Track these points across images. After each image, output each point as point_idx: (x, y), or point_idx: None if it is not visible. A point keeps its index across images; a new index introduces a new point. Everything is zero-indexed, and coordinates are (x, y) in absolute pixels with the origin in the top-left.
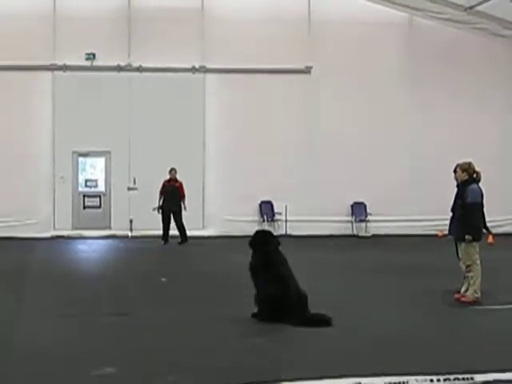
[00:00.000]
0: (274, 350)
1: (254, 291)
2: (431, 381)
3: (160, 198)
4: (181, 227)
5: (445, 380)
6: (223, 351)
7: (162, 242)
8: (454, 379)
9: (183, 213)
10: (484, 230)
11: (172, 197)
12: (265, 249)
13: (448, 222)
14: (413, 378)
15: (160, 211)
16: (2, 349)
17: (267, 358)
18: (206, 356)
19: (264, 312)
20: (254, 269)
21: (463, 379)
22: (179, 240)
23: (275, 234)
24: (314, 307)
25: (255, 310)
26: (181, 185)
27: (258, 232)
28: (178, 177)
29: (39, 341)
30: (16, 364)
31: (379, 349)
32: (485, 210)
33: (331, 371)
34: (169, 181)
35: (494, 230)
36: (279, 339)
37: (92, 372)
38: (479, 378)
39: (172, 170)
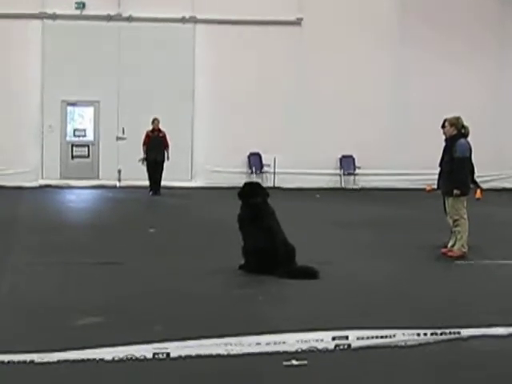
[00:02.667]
0: (260, 301)
1: (241, 242)
2: (418, 335)
3: (144, 149)
4: (160, 178)
5: (432, 334)
6: (210, 302)
7: (150, 193)
8: (441, 333)
9: (165, 163)
10: (472, 185)
11: (157, 147)
12: (253, 201)
13: (437, 177)
14: (400, 331)
15: (145, 162)
16: None
17: (254, 310)
18: (193, 306)
19: (251, 263)
20: (242, 221)
21: (450, 333)
22: (151, 190)
23: (263, 186)
24: (301, 260)
25: (243, 261)
26: (164, 135)
27: (246, 184)
28: (162, 127)
29: (26, 290)
30: (1, 314)
31: (366, 302)
32: (474, 164)
33: (318, 324)
34: (152, 131)
35: (483, 185)
36: (266, 291)
37: (78, 321)
38: (465, 332)
39: (155, 120)
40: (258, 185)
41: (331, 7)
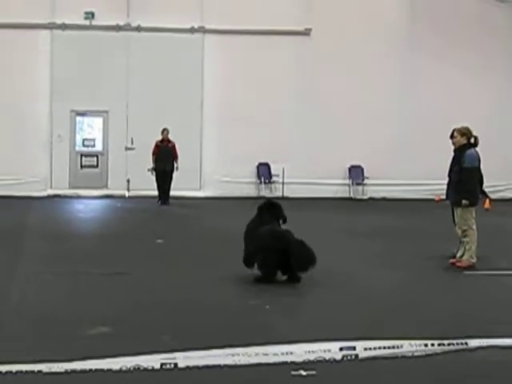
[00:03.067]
0: (268, 311)
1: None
2: (425, 345)
3: (153, 159)
4: (169, 188)
5: (439, 345)
6: (218, 312)
7: (159, 203)
8: (449, 344)
9: (174, 173)
10: (481, 195)
11: (166, 157)
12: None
13: (445, 187)
14: (407, 342)
15: (154, 172)
16: None
17: (261, 320)
18: (201, 316)
19: (260, 261)
20: (250, 230)
21: (457, 344)
22: (160, 200)
23: (272, 196)
24: (310, 270)
25: (250, 271)
26: (174, 145)
27: (270, 203)
28: (171, 137)
29: (34, 300)
30: (10, 324)
31: (374, 312)
32: (483, 174)
33: (325, 334)
34: (161, 141)
35: (491, 195)
36: (273, 300)
37: (87, 331)
38: (473, 343)
39: (164, 131)
40: (279, 207)
41: (340, 17)
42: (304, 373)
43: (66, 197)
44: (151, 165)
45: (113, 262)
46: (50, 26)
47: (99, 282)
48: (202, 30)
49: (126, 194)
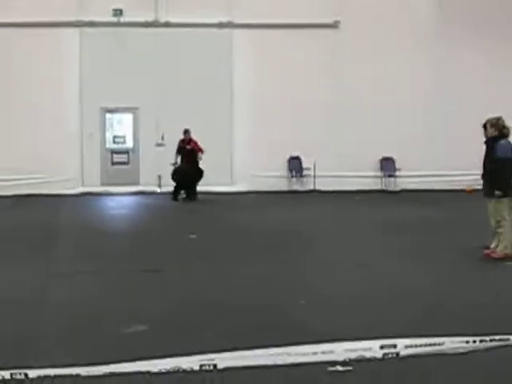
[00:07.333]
0: (306, 307)
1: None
2: (467, 342)
3: (176, 156)
4: (196, 186)
5: (481, 341)
6: (255, 309)
7: (180, 197)
8: (491, 340)
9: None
10: None
11: (190, 160)
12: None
13: (476, 178)
14: (448, 339)
15: (176, 165)
16: (33, 308)
17: (298, 317)
18: (235, 315)
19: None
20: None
21: (499, 340)
22: (185, 195)
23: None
24: (343, 263)
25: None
26: (195, 143)
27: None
28: (201, 133)
29: (69, 299)
30: (47, 323)
31: (411, 308)
32: None
33: (365, 332)
34: (183, 141)
35: None
36: (312, 297)
37: (123, 330)
38: None
39: (186, 132)
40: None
41: (369, 10)
42: (341, 368)
43: (97, 194)
44: (173, 160)
45: (146, 259)
46: (78, 24)
47: (133, 280)
48: (231, 25)
49: (158, 190)
